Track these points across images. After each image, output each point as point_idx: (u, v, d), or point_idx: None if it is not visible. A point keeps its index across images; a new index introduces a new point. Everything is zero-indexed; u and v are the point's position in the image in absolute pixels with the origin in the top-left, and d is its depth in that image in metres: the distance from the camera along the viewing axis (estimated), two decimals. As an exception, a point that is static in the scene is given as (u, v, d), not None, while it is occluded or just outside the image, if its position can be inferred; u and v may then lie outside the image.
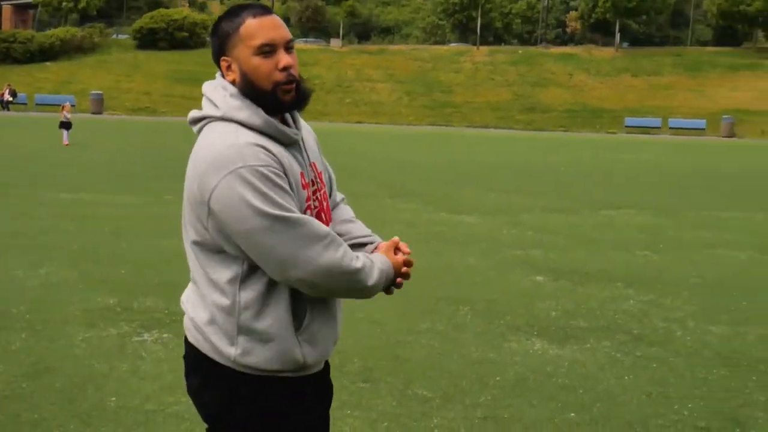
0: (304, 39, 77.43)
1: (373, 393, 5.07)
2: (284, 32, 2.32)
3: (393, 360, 5.72)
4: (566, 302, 7.52)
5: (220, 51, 2.35)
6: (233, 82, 2.33)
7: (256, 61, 2.28)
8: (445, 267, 8.75)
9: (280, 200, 2.19)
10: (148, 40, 67.02)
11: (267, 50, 2.28)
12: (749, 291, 8.21)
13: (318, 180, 2.45)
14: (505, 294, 7.79)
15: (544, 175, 20.75)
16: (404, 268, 2.41)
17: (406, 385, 5.21)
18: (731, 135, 47.33)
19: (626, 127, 49.97)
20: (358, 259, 2.30)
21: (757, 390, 5.34)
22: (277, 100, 2.31)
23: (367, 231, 2.57)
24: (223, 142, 2.23)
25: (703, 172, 23.40)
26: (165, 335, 6.10)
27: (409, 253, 2.44)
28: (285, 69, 2.29)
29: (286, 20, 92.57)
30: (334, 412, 2.73)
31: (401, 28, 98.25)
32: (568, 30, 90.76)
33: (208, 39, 70.29)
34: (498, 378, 5.43)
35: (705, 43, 75.84)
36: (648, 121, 50.73)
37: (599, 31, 78.09)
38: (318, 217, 2.38)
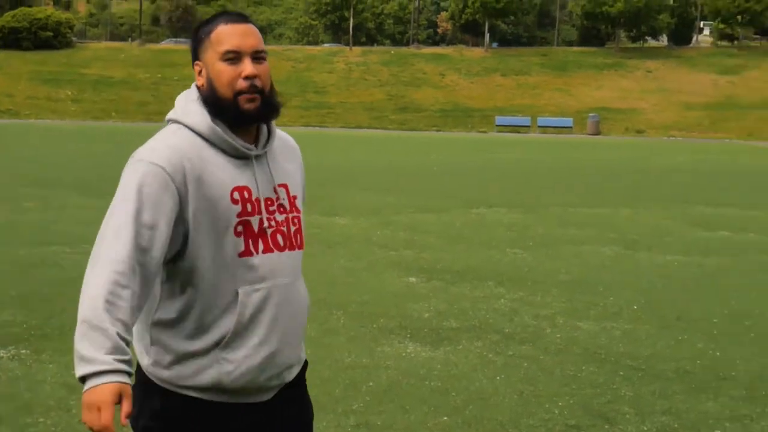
0: (175, 39, 75.87)
1: (242, 404, 4.92)
2: (253, 41, 2.26)
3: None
4: (439, 303, 7.53)
5: (194, 56, 2.33)
6: (201, 87, 2.29)
7: (220, 66, 2.25)
8: (318, 270, 8.65)
9: (136, 204, 2.12)
10: (11, 40, 64.39)
11: (231, 57, 2.24)
12: (614, 286, 8.41)
13: (286, 201, 2.35)
14: (378, 296, 7.76)
15: (417, 175, 20.89)
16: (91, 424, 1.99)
17: (277, 395, 5.08)
18: (597, 132, 48.81)
19: (497, 126, 50.86)
20: (100, 318, 2.02)
21: (624, 385, 5.45)
22: (238, 109, 2.24)
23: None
24: (156, 139, 2.25)
25: (570, 169, 24.02)
26: (23, 351, 5.79)
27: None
28: (248, 78, 2.23)
29: (155, 20, 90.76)
30: None
31: (274, 29, 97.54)
32: (440, 30, 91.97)
33: (74, 39, 68.51)
34: (371, 383, 5.37)
35: (570, 43, 77.91)
36: (517, 120, 51.77)
37: (469, 31, 79.39)
38: (273, 236, 2.29)
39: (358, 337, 6.40)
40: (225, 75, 2.24)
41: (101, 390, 1.98)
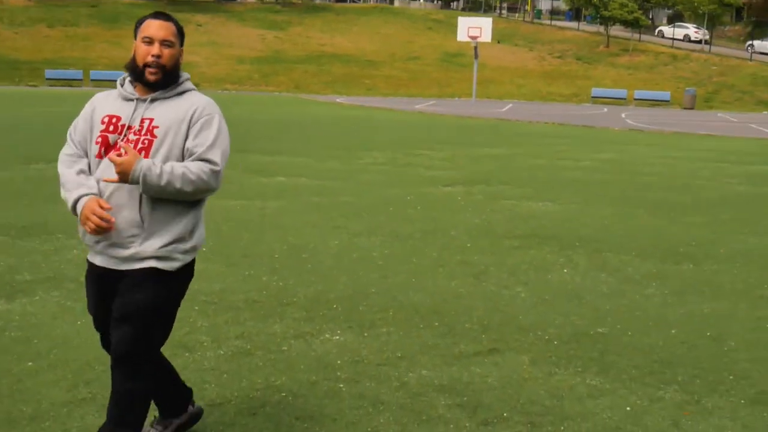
0: None
1: None
2: (164, 33, 3.48)
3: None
4: (8, 257, 7.39)
5: (135, 36, 3.55)
6: (130, 58, 3.52)
7: (140, 45, 3.49)
8: None
9: (73, 125, 3.63)
10: None
11: (147, 40, 3.48)
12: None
13: (141, 129, 3.45)
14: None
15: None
16: (90, 217, 3.33)
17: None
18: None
19: (47, 79, 48.65)
20: (65, 175, 3.50)
21: (200, 318, 5.89)
22: (142, 76, 3.49)
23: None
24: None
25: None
26: None
27: (102, 216, 3.34)
28: (154, 56, 3.46)
29: None
30: None
31: None
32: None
33: None
34: None
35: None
36: (69, 73, 49.90)
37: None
38: (110, 143, 3.46)
39: None
40: (140, 51, 3.48)
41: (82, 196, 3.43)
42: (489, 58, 57.49)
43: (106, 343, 3.71)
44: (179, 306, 3.62)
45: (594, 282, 7.40)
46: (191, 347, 5.30)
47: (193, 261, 3.64)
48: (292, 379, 4.84)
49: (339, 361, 5.15)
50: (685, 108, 47.47)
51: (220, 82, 51.66)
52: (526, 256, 8.28)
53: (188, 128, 3.47)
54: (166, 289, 3.48)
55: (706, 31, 65.49)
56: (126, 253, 3.43)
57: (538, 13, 79.78)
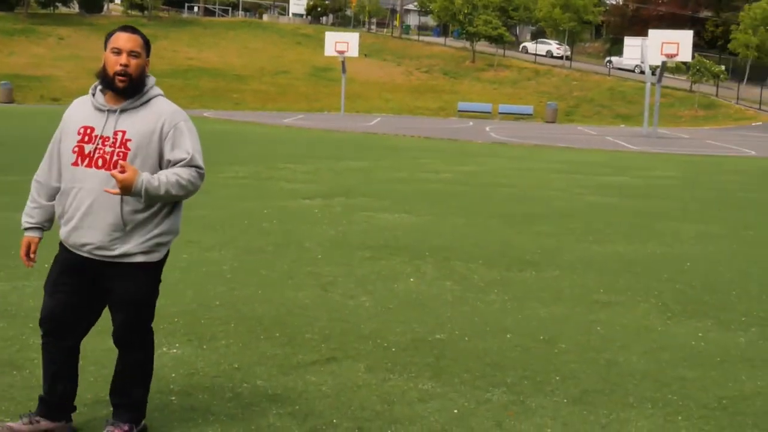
0: None
1: None
2: (132, 45, 3.85)
3: None
4: None
5: (104, 47, 3.92)
6: (100, 69, 3.89)
7: (109, 56, 3.86)
8: None
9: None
10: None
11: (116, 51, 3.84)
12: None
13: (115, 141, 3.83)
14: None
15: None
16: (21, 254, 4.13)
17: None
18: (10, 101, 47.04)
19: None
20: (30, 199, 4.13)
21: (31, 336, 5.74)
22: (112, 84, 3.85)
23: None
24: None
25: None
26: None
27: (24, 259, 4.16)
28: (122, 66, 3.82)
29: None
30: None
31: None
32: None
33: None
34: None
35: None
36: None
37: None
38: (96, 159, 3.84)
39: None
40: (109, 61, 3.85)
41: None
42: (357, 73, 57.93)
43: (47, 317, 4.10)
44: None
45: (439, 290, 7.56)
46: (20, 365, 5.17)
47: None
48: (123, 394, 4.77)
49: (173, 375, 5.11)
50: (547, 121, 49.00)
51: (83, 94, 50.13)
52: (375, 267, 8.40)
53: (160, 139, 3.88)
54: (152, 277, 4.03)
55: (567, 47, 67.80)
56: (113, 253, 3.89)
57: (407, 29, 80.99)
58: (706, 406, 4.95)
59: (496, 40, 63.29)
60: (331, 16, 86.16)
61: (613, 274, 8.46)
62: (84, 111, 3.95)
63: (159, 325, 6.01)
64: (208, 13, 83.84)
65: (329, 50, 46.81)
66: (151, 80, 3.97)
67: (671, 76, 56.61)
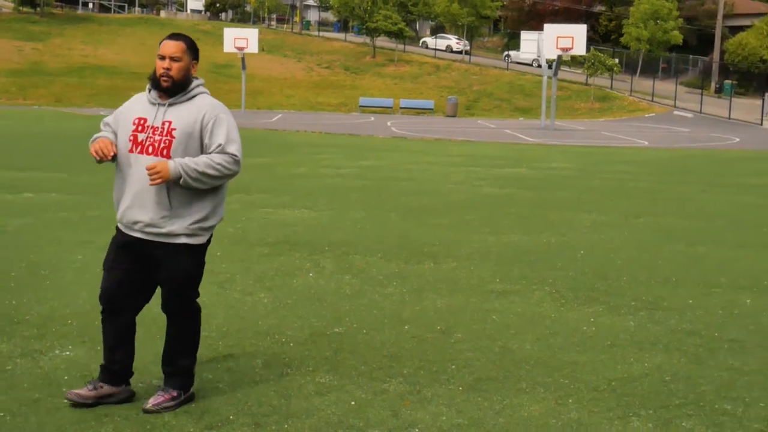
0: None
1: None
2: (173, 50, 4.44)
3: None
4: None
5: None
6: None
7: (158, 60, 4.45)
8: None
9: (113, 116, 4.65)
10: None
11: (161, 57, 4.45)
12: None
13: (163, 131, 4.42)
14: None
15: None
16: (95, 146, 4.46)
17: None
18: None
19: None
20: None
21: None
22: (158, 84, 4.45)
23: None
24: None
25: None
26: None
27: (104, 149, 4.43)
28: (164, 69, 4.41)
29: None
30: None
31: None
32: None
33: None
34: None
35: None
36: None
37: None
38: (147, 146, 4.43)
39: None
40: (157, 65, 4.44)
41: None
42: (258, 69, 57.51)
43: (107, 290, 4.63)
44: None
45: (338, 284, 7.60)
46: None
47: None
48: (13, 398, 4.67)
49: (66, 377, 5.02)
50: (448, 116, 49.46)
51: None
52: (274, 263, 8.39)
53: (201, 128, 4.44)
54: (195, 259, 4.57)
55: (466, 42, 68.60)
56: (162, 231, 4.43)
57: (307, 24, 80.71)
58: (596, 389, 5.11)
59: (397, 35, 63.58)
60: (230, 12, 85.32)
61: (509, 264, 8.64)
62: (140, 105, 4.55)
63: (51, 328, 5.95)
64: (104, 9, 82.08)
65: (228, 47, 46.30)
66: (199, 80, 4.56)
67: (568, 69, 57.88)
